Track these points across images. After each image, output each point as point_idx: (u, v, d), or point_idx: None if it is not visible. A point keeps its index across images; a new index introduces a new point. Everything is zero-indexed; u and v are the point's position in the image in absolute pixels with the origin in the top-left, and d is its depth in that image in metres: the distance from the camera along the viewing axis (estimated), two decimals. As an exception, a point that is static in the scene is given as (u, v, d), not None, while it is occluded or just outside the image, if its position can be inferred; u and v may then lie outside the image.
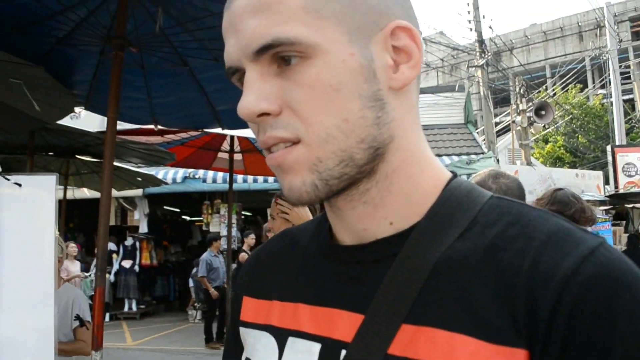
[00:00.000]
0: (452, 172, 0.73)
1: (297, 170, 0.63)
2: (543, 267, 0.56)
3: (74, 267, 9.51)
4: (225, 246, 9.02)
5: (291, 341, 0.71)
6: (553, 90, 28.46)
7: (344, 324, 0.66)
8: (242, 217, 14.60)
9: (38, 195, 2.15)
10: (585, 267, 0.54)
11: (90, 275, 10.71)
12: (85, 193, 10.12)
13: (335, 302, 0.69)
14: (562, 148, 27.48)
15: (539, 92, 24.37)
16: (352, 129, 0.62)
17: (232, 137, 6.44)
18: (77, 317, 3.26)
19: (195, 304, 13.21)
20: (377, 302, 0.63)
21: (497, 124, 20.82)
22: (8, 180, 2.07)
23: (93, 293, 10.09)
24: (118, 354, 9.25)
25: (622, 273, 0.54)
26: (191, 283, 13.16)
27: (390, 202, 0.67)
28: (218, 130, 5.11)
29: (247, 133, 5.86)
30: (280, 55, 0.61)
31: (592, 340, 0.52)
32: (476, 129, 16.52)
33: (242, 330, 0.81)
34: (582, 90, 29.29)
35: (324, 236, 0.76)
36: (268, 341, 0.74)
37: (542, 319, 0.54)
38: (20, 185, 2.09)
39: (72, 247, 9.74)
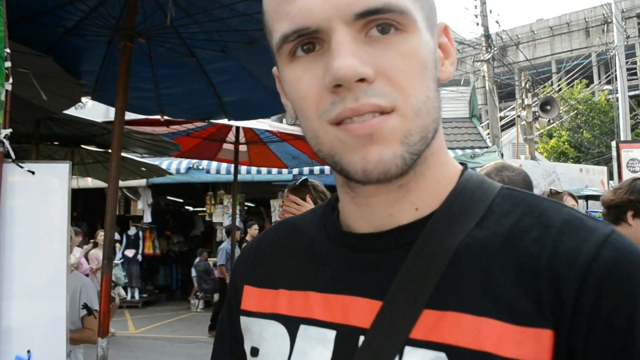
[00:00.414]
0: (461, 163, 0.76)
1: (390, 141, 0.61)
2: (564, 252, 0.59)
3: None
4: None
5: (303, 329, 0.71)
6: (558, 85, 28.34)
7: (361, 311, 0.67)
8: (245, 208, 14.62)
9: (51, 183, 2.15)
10: (604, 251, 0.58)
11: (118, 264, 10.86)
12: (89, 183, 10.15)
13: (349, 289, 0.69)
14: (566, 143, 27.39)
15: (544, 87, 24.28)
16: (432, 106, 0.64)
17: (237, 128, 6.44)
18: (85, 306, 3.28)
19: (198, 294, 13.29)
20: (396, 288, 0.64)
21: (501, 118, 20.76)
22: (21, 167, 2.08)
23: (127, 280, 10.09)
24: (121, 341, 9.30)
25: (635, 257, 0.58)
26: (194, 273, 13.22)
27: (421, 187, 0.69)
28: (224, 121, 5.12)
29: (253, 124, 5.86)
30: (378, 24, 0.60)
31: (616, 320, 0.55)
32: (481, 123, 16.48)
33: (245, 320, 0.81)
34: (587, 85, 29.14)
35: (333, 225, 0.77)
36: (277, 329, 0.74)
37: (568, 300, 0.57)
38: (33, 172, 2.10)
39: (102, 236, 9.81)
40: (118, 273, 10.42)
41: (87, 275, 8.44)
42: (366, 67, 0.59)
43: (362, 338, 0.65)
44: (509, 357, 0.57)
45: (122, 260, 12.79)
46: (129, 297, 13.59)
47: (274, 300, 0.77)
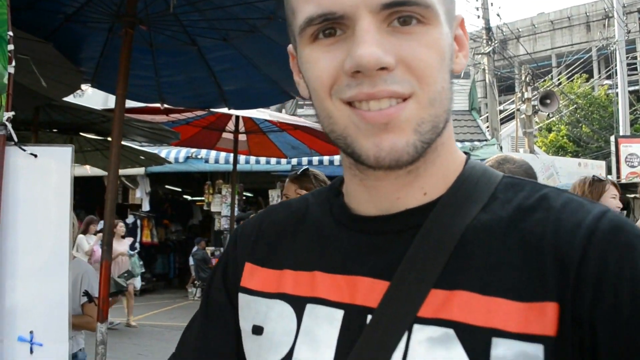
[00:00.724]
0: (465, 152, 0.78)
1: (404, 129, 0.63)
2: (565, 229, 0.62)
3: (121, 245, 9.69)
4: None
5: (310, 308, 0.72)
6: (558, 79, 28.33)
7: (368, 291, 0.68)
8: (244, 197, 14.65)
9: (54, 167, 2.15)
10: (601, 224, 0.61)
11: (135, 254, 10.87)
12: (87, 171, 10.15)
13: (357, 270, 0.70)
14: (565, 137, 27.43)
15: (544, 81, 24.27)
16: (445, 97, 0.65)
17: (237, 118, 6.43)
18: (86, 293, 3.29)
19: (195, 282, 13.33)
20: (405, 268, 0.66)
21: (501, 112, 20.75)
22: (24, 150, 2.08)
23: (143, 270, 10.02)
24: (119, 328, 9.34)
25: (632, 228, 0.61)
26: (191, 261, 13.27)
27: (430, 173, 0.70)
28: (224, 110, 5.11)
29: (252, 114, 5.85)
30: (401, 15, 0.62)
31: (621, 286, 0.57)
32: (480, 117, 16.48)
33: (245, 297, 0.81)
34: (587, 80, 29.13)
35: (340, 208, 0.78)
36: (283, 309, 0.75)
37: (571, 272, 0.59)
38: (36, 156, 2.09)
39: (121, 227, 9.98)
40: (134, 263, 10.46)
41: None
42: (388, 56, 0.61)
43: (370, 317, 0.66)
44: (516, 332, 0.59)
45: (137, 250, 12.74)
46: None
47: (279, 280, 0.77)
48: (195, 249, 13.40)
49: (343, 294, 0.70)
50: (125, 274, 9.44)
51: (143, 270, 12.06)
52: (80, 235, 9.06)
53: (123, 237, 10.10)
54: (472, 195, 0.70)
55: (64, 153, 2.15)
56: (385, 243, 0.70)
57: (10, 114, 2.04)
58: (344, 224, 0.76)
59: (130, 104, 5.11)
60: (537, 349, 0.58)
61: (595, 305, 0.57)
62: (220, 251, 13.45)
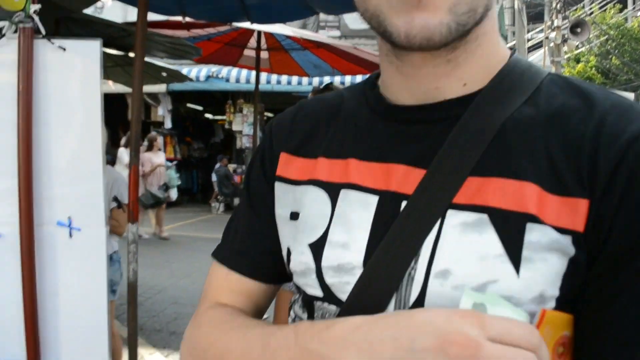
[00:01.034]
0: (510, 48, 0.76)
1: (438, 7, 0.60)
2: (607, 130, 0.61)
3: (157, 158, 10.11)
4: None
5: (344, 193, 0.72)
6: (590, 9, 27.28)
7: (403, 178, 0.68)
8: (265, 118, 14.70)
9: (83, 61, 2.13)
10: None
11: (172, 166, 11.22)
12: (111, 86, 10.20)
13: (392, 158, 0.70)
14: (593, 69, 26.69)
15: (576, 9, 23.41)
16: None
17: (259, 34, 6.36)
18: (115, 199, 3.41)
19: (218, 197, 13.69)
20: (442, 156, 0.65)
21: (528, 40, 20.19)
22: (52, 43, 2.05)
23: (179, 182, 10.33)
24: (146, 237, 9.66)
25: None
26: (214, 177, 13.55)
27: (471, 64, 0.69)
28: (247, 24, 5.05)
29: (275, 29, 5.79)
30: None
31: None
32: (507, 44, 16.07)
33: (282, 186, 0.82)
34: (621, 11, 28.00)
35: (376, 99, 0.77)
36: (317, 194, 0.75)
37: (605, 174, 0.59)
38: (64, 49, 2.08)
39: (159, 140, 10.57)
40: (171, 175, 10.80)
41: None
42: None
43: (404, 203, 0.66)
44: (550, 224, 0.60)
45: (176, 162, 12.93)
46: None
47: (313, 167, 0.78)
48: (217, 165, 13.64)
49: (377, 180, 0.70)
50: (164, 186, 9.74)
51: (179, 183, 12.33)
52: (121, 149, 9.29)
53: (160, 150, 10.40)
54: (515, 88, 0.68)
55: (93, 46, 2.12)
56: (422, 132, 0.69)
57: (37, 6, 1.99)
58: (380, 113, 0.75)
59: (150, 17, 5.09)
60: (568, 240, 0.60)
61: (620, 208, 0.58)
62: (242, 169, 13.70)
